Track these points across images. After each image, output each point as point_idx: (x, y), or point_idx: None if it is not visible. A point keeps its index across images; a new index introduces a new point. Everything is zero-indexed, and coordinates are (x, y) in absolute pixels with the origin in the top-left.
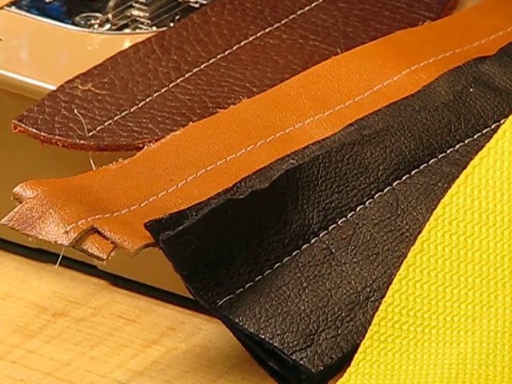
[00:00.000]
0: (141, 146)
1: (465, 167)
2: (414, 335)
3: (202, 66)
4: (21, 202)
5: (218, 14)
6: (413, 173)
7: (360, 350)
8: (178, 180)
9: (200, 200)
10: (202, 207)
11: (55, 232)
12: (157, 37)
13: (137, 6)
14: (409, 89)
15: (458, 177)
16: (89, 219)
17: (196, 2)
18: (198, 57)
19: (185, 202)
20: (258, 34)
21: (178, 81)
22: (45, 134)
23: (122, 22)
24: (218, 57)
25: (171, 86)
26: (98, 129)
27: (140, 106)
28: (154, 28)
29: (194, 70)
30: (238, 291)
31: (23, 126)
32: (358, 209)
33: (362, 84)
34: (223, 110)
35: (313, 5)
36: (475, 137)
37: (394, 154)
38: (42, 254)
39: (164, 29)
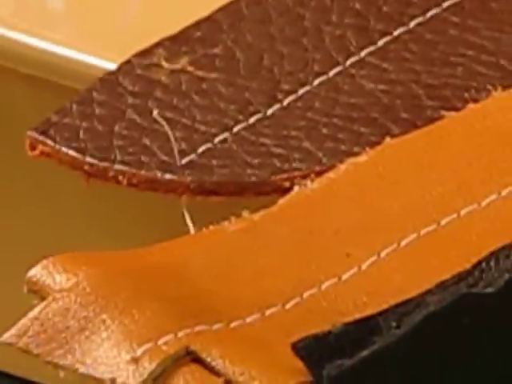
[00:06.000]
0: (286, 184)
1: None
2: None
3: None
4: (42, 298)
5: None
6: None
7: None
8: (363, 254)
9: (405, 295)
10: (406, 311)
11: (112, 360)
12: None
13: None
14: None
15: None
16: (179, 334)
17: None
18: None
19: (374, 298)
20: None
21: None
22: (92, 161)
23: None
24: None
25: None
26: (198, 151)
27: (285, 104)
28: None
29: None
30: None
31: (46, 140)
32: None
33: None
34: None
35: None
36: None
37: None
38: None
39: None
